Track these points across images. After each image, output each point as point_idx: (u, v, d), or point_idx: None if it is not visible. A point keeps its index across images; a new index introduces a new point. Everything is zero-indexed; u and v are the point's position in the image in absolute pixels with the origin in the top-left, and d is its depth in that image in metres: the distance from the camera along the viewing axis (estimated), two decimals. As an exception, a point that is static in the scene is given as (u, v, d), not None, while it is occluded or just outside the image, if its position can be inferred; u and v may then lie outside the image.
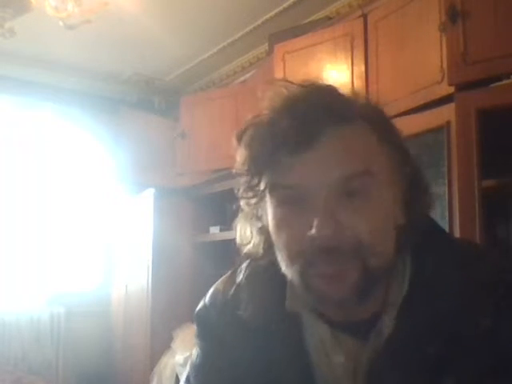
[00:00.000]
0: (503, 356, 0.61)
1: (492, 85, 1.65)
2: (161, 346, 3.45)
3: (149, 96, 4.29)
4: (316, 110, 0.60)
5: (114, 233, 4.14)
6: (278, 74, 2.65)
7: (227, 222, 3.64)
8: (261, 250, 0.71)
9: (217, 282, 0.81)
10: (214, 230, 3.59)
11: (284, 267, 0.66)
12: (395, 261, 0.67)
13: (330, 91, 0.65)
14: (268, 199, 0.66)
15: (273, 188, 0.64)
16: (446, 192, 1.71)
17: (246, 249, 0.73)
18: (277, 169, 0.62)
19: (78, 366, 3.81)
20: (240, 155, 0.65)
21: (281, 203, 0.64)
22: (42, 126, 4.13)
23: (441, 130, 1.80)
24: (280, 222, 0.64)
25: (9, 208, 3.94)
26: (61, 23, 2.48)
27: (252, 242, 0.72)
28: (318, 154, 0.60)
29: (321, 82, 0.66)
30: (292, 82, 0.65)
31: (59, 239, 4.13)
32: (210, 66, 3.86)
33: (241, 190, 0.68)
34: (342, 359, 0.68)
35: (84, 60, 3.78)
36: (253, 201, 0.67)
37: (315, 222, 0.59)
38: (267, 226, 0.68)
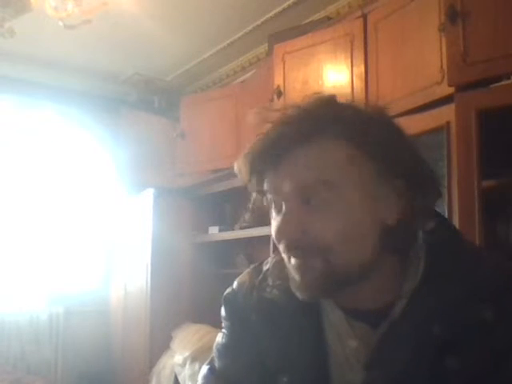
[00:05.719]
0: (502, 347, 0.67)
1: (492, 85, 1.64)
2: (160, 345, 3.45)
3: (149, 96, 4.29)
4: (287, 133, 0.71)
5: (114, 233, 4.14)
6: (278, 74, 2.65)
7: (226, 222, 3.64)
8: None
9: (243, 273, 0.90)
10: (213, 230, 3.59)
11: None
12: (384, 258, 0.73)
13: (310, 111, 0.72)
14: None
15: (262, 192, 0.75)
16: (446, 192, 1.70)
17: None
18: (262, 177, 0.74)
19: (77, 365, 3.81)
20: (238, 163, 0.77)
21: (272, 205, 0.75)
22: (42, 126, 4.13)
23: (441, 130, 1.80)
24: (272, 221, 0.75)
25: (8, 208, 3.94)
26: (60, 23, 2.48)
27: None
28: (284, 169, 0.71)
29: (318, 94, 0.74)
30: (291, 105, 0.74)
31: (59, 239, 4.13)
32: (210, 66, 3.86)
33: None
34: (355, 344, 0.74)
35: (84, 60, 3.78)
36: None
37: (278, 224, 0.71)
38: None
